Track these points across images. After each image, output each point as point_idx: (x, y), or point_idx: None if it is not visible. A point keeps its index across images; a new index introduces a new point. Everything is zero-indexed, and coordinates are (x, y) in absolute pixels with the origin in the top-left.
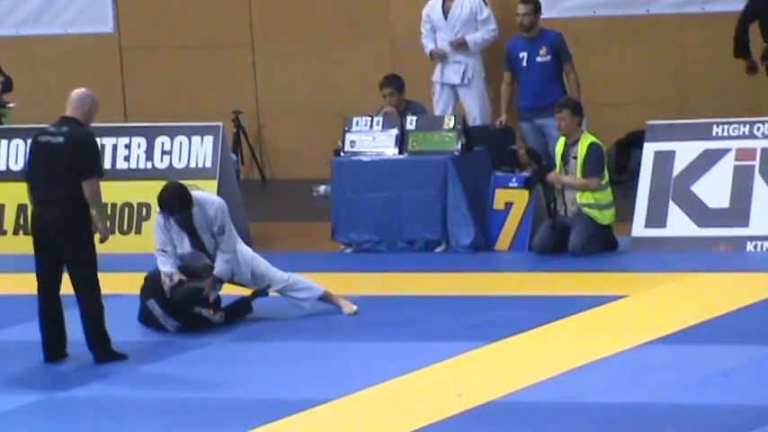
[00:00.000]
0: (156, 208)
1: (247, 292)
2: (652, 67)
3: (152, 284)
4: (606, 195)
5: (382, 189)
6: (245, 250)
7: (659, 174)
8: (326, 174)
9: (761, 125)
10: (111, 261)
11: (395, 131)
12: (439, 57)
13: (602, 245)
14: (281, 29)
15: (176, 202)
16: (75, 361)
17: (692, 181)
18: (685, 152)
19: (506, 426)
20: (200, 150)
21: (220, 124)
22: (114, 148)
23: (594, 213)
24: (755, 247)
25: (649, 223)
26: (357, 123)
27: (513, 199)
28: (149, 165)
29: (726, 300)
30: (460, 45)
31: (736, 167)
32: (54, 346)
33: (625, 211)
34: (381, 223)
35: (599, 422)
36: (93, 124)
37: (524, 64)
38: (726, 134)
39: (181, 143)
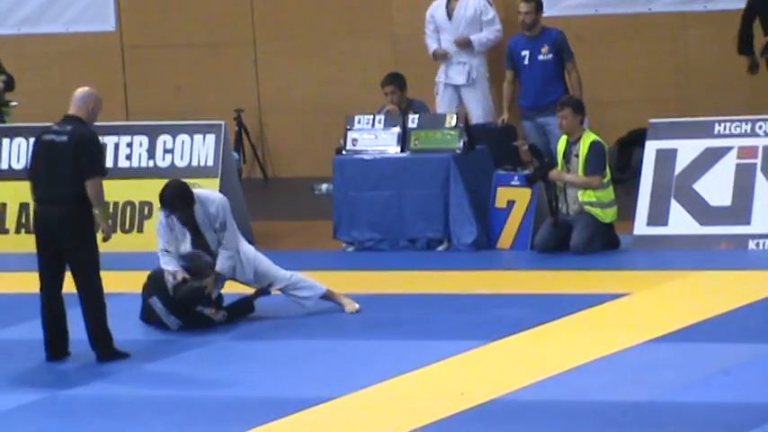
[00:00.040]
0: (157, 206)
1: (250, 291)
2: (654, 66)
3: (155, 282)
4: (608, 193)
5: (384, 187)
6: (247, 249)
7: (661, 172)
8: (328, 172)
9: (763, 123)
10: (113, 260)
11: (397, 130)
12: (442, 57)
13: (603, 243)
14: (282, 27)
15: (178, 200)
16: (77, 360)
17: (694, 179)
18: (687, 150)
19: (508, 424)
20: (202, 149)
21: (222, 123)
22: (116, 146)
23: (596, 211)
24: (757, 245)
25: (651, 221)
26: (359, 121)
27: (515, 197)
28: (151, 163)
29: (727, 298)
30: (465, 43)
31: (737, 165)
32: (56, 344)
33: (627, 210)
34: (383, 221)
35: (601, 420)
36: (94, 123)
37: (526, 62)
38: (728, 132)
39: (183, 142)
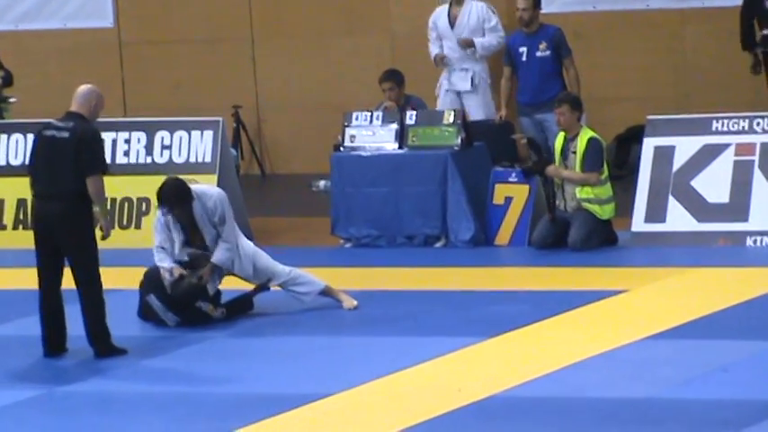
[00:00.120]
0: (155, 203)
1: (249, 287)
2: (652, 62)
3: (151, 280)
4: (606, 190)
5: (382, 184)
6: (246, 244)
7: (659, 169)
8: (326, 168)
9: (760, 120)
10: (111, 256)
11: (394, 126)
12: (441, 62)
13: (601, 240)
14: (281, 24)
15: (175, 197)
16: (75, 356)
17: (692, 176)
18: (685, 147)
19: (506, 421)
20: (200, 145)
21: (220, 119)
22: (114, 142)
23: (594, 208)
24: (755, 241)
25: (649, 218)
26: (357, 118)
27: (512, 194)
28: (149, 159)
29: (725, 295)
30: (468, 44)
31: (735, 162)
32: (54, 340)
33: (625, 206)
34: (381, 218)
35: (599, 417)
36: (96, 120)
37: (524, 59)
38: (725, 129)
39: (180, 138)
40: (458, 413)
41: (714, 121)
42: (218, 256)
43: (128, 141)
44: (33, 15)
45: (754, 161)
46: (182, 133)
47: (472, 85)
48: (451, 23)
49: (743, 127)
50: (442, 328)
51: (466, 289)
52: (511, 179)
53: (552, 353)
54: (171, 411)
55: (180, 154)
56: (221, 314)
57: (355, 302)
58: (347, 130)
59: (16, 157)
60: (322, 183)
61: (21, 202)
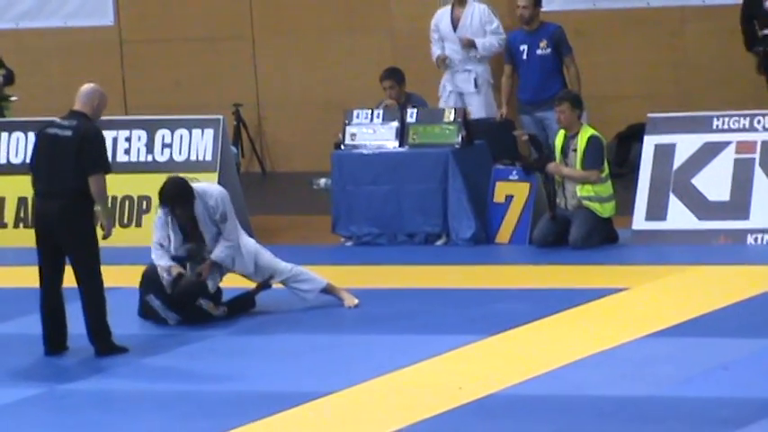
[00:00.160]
0: (156, 201)
1: (250, 285)
2: (652, 60)
3: (150, 280)
4: (606, 188)
5: (383, 182)
6: (248, 242)
7: (660, 167)
8: (327, 167)
9: (761, 118)
10: (112, 254)
11: (395, 124)
12: (443, 63)
13: (602, 238)
14: (281, 22)
15: (178, 196)
16: (75, 354)
17: (693, 174)
18: (686, 145)
19: (506, 419)
20: (201, 143)
21: (221, 117)
22: (114, 141)
23: (595, 206)
24: (756, 239)
25: (650, 216)
26: (357, 116)
27: (513, 192)
28: (150, 158)
29: (726, 293)
30: (469, 44)
31: (736, 160)
32: (55, 339)
33: (625, 204)
34: (382, 216)
35: (599, 415)
36: (99, 119)
37: (524, 57)
38: (726, 127)
39: (181, 136)
40: (458, 411)
41: (715, 119)
42: (218, 253)
43: (128, 140)
44: (34, 14)
45: (754, 159)
46: (182, 131)
47: (476, 86)
48: (454, 25)
49: (744, 125)
50: (443, 326)
51: (466, 287)
52: (511, 177)
53: (553, 351)
54: (172, 409)
55: (180, 152)
56: (222, 312)
57: (356, 300)
58: (348, 128)
59: (17, 155)
60: (323, 181)
61: (21, 201)
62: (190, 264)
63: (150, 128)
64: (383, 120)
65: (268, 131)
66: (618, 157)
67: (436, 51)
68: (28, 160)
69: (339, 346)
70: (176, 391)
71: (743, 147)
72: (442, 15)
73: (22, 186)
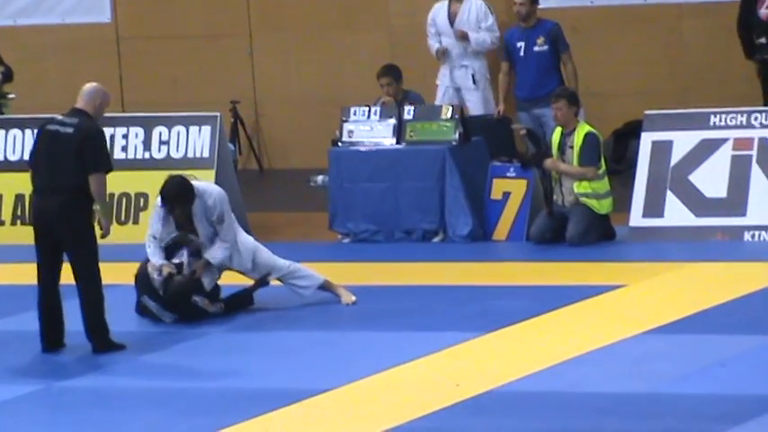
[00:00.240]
0: (153, 198)
1: (248, 282)
2: (650, 57)
3: (144, 282)
4: (603, 185)
5: (380, 179)
6: (246, 240)
7: (657, 163)
8: (324, 164)
9: (758, 115)
10: (109, 251)
11: (392, 121)
12: (444, 55)
13: (599, 234)
14: (278, 19)
15: (179, 196)
16: (73, 351)
17: (690, 170)
18: (683, 142)
19: (504, 416)
20: (198, 140)
21: (218, 114)
22: (112, 138)
23: (592, 203)
24: (753, 236)
25: (647, 213)
26: (355, 113)
27: (510, 189)
28: (147, 155)
29: (723, 289)
30: (463, 36)
31: (733, 157)
32: (52, 336)
33: (623, 201)
34: (379, 213)
35: (597, 412)
36: (101, 118)
37: (522, 54)
38: (723, 124)
39: (178, 133)
40: (456, 408)
41: (712, 116)
42: (214, 254)
43: (125, 137)
44: (31, 10)
45: (752, 156)
46: (179, 128)
47: (473, 81)
48: (451, 20)
49: (741, 121)
50: (440, 322)
51: (464, 284)
52: (509, 174)
53: (550, 347)
54: (169, 406)
55: (178, 149)
56: (219, 308)
57: (354, 297)
58: (345, 125)
59: (14, 152)
60: (320, 178)
61: (19, 198)
62: (188, 258)
63: (147, 125)
64: (380, 117)
65: (265, 128)
66: (615, 153)
67: (434, 45)
68: (25, 157)
69: (336, 343)
70: (174, 387)
71: (740, 143)
72: (439, 9)
73: (20, 183)
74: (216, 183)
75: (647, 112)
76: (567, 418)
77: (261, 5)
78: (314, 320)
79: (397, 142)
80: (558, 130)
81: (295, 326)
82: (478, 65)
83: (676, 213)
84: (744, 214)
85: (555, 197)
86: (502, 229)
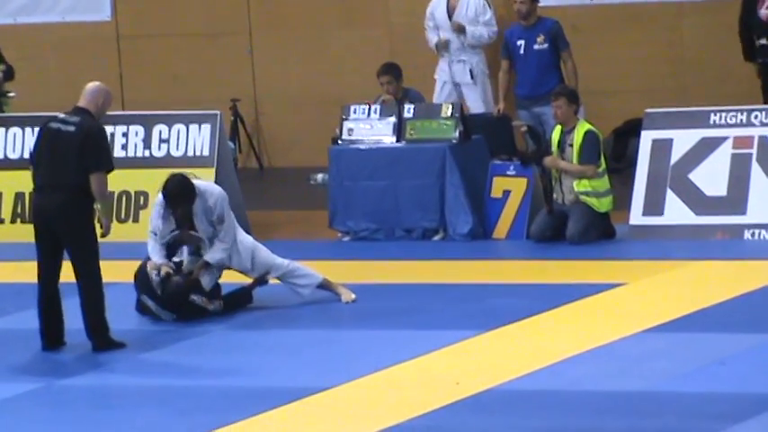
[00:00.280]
0: (153, 196)
1: (248, 281)
2: (650, 55)
3: (143, 282)
4: (603, 183)
5: (380, 177)
6: (245, 239)
7: (657, 162)
8: (324, 162)
9: (758, 113)
10: (109, 249)
11: (392, 119)
12: (443, 47)
13: (599, 233)
14: (278, 17)
15: (180, 196)
16: (73, 349)
17: (690, 169)
18: (683, 140)
19: (504, 414)
20: (198, 139)
21: (218, 112)
22: (112, 136)
23: (592, 201)
24: (753, 234)
25: (647, 211)
26: (355, 111)
27: (510, 187)
28: (147, 153)
29: (723, 288)
30: (460, 29)
31: (733, 155)
32: (52, 334)
33: (623, 199)
34: (379, 211)
35: (596, 410)
36: (104, 117)
37: (522, 52)
38: (723, 122)
39: (178, 131)
40: (456, 406)
41: (712, 114)
42: (213, 255)
43: (125, 135)
44: (31, 9)
45: (751, 154)
46: (179, 127)
47: (472, 77)
48: (449, 14)
49: (741, 120)
50: (440, 321)
51: (464, 282)
52: (509, 172)
53: (550, 346)
54: (170, 405)
55: (178, 147)
56: (218, 306)
57: (353, 296)
58: (345, 123)
59: (14, 150)
60: (320, 176)
61: (19, 196)
62: (188, 257)
63: (147, 123)
64: (380, 115)
65: (265, 127)
66: (615, 152)
67: (433, 38)
68: (25, 156)
69: (336, 341)
70: (174, 386)
71: (740, 142)
72: (438, 3)
73: (20, 181)
74: (216, 181)
75: (648, 110)
76: (567, 416)
77: (261, 4)
78: (314, 319)
79: (398, 140)
80: (558, 128)
81: (295, 324)
82: (476, 60)
83: (676, 212)
84: (744, 213)
85: (555, 195)
86: (502, 228)
